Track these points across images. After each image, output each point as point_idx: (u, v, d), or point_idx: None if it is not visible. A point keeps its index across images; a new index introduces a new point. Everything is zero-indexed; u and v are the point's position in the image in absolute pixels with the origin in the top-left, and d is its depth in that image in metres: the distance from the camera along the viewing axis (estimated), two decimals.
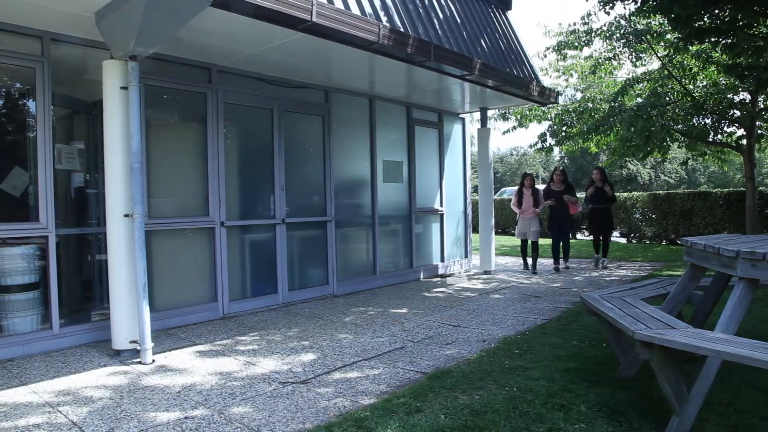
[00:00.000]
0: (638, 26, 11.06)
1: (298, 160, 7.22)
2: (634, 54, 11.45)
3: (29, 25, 4.79)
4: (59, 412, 3.44)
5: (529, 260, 9.91)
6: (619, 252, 12.59)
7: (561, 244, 9.95)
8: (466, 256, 10.15)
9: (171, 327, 5.67)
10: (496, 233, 9.76)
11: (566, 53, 12.74)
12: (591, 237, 11.01)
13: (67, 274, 5.41)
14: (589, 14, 11.44)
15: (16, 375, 4.18)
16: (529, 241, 9.79)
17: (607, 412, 3.24)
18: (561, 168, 10.19)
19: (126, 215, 4.54)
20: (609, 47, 12.04)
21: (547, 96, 8.90)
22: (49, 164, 4.93)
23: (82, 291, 5.92)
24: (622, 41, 11.29)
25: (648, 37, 10.79)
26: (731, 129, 12.05)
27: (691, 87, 11.26)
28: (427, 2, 6.93)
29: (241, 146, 6.75)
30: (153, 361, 4.51)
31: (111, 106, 4.55)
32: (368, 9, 5.75)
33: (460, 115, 10.13)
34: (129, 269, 4.55)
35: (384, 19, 5.91)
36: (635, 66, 12.40)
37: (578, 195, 10.76)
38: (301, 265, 7.27)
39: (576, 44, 12.01)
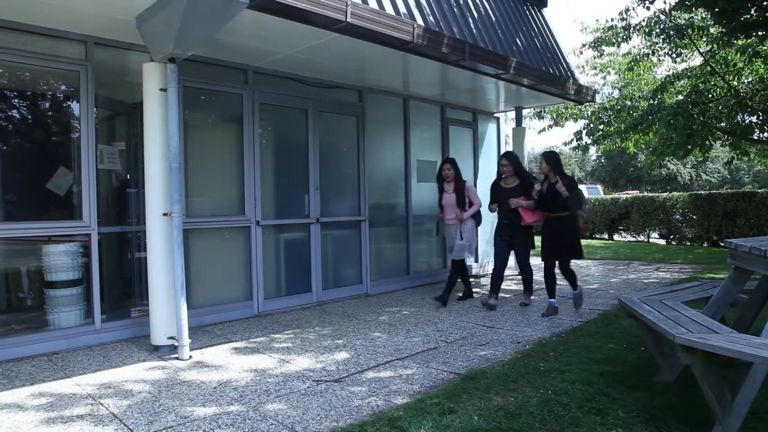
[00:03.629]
0: (679, 21, 10.76)
1: (332, 160, 7.26)
2: (674, 50, 11.15)
3: (74, 30, 4.95)
4: (101, 404, 3.54)
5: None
6: (658, 254, 12.29)
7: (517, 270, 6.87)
8: None
9: (207, 324, 5.78)
10: None
11: (603, 50, 12.49)
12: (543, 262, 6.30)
13: (109, 271, 5.56)
14: (627, 9, 11.18)
15: (60, 368, 4.33)
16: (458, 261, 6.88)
17: (645, 417, 3.16)
18: (510, 154, 6.79)
19: (165, 214, 4.64)
20: (648, 43, 11.76)
21: (584, 94, 8.74)
22: (92, 164, 5.08)
23: (123, 287, 6.09)
24: (662, 37, 10.99)
25: (689, 32, 10.49)
26: None
27: (735, 83, 10.90)
28: (461, 1, 6.88)
29: (276, 146, 6.83)
30: (190, 357, 4.60)
31: (151, 107, 4.67)
32: (402, 9, 5.74)
33: (495, 114, 10.03)
34: (167, 267, 4.66)
35: (418, 18, 5.90)
36: (675, 62, 12.07)
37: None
38: (335, 264, 7.31)
39: (613, 41, 11.76)
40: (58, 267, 5.16)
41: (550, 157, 6.14)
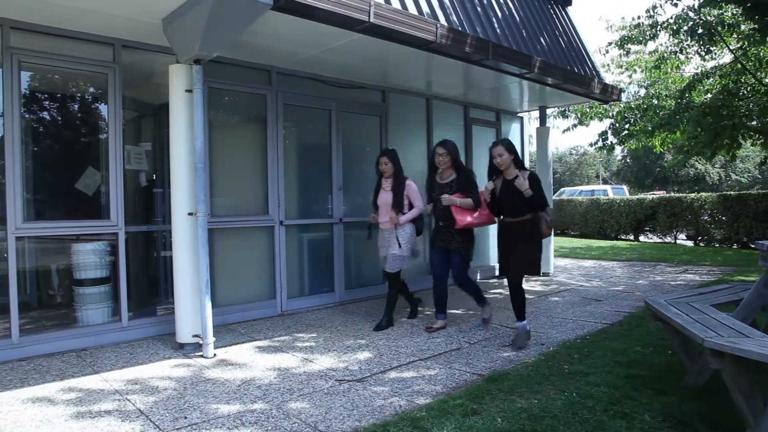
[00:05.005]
0: (708, 18, 10.53)
1: (355, 160, 7.28)
2: (703, 47, 10.91)
3: (102, 33, 5.04)
4: (128, 400, 3.60)
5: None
6: (685, 255, 12.06)
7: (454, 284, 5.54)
8: None
9: (231, 322, 5.84)
10: (555, 234, 9.27)
11: (629, 48, 12.29)
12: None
13: (135, 269, 5.66)
14: (654, 7, 10.98)
15: (89, 364, 4.41)
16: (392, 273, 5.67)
17: (672, 422, 3.10)
18: (447, 142, 5.51)
19: (190, 214, 4.70)
20: (676, 41, 11.53)
21: (609, 94, 8.62)
22: (119, 165, 5.17)
23: (149, 286, 6.19)
24: (690, 34, 10.77)
25: (719, 29, 10.26)
26: None
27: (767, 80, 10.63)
28: (485, 1, 6.84)
29: (299, 146, 6.87)
30: (214, 355, 4.65)
31: (176, 108, 4.73)
32: (425, 9, 5.73)
33: (519, 114, 9.95)
34: (192, 266, 4.72)
35: (441, 18, 5.88)
36: (704, 60, 11.82)
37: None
38: (358, 264, 7.32)
39: (640, 39, 11.56)
40: (86, 265, 5.27)
41: (512, 146, 4.94)
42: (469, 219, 5.21)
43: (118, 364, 4.43)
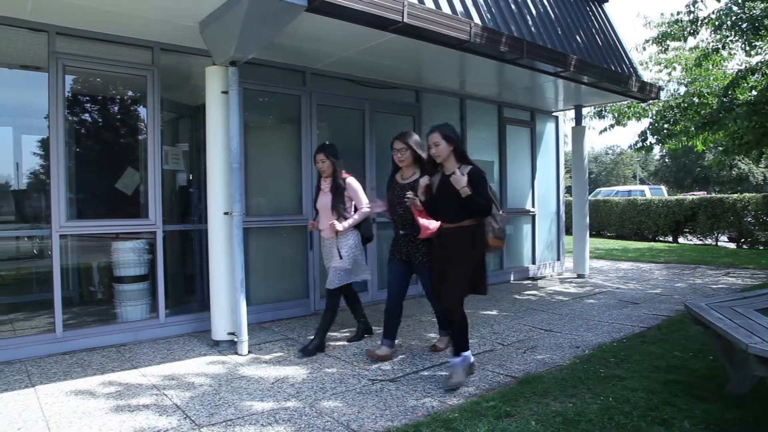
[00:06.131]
0: (754, 11, 10.16)
1: (388, 160, 7.25)
2: (747, 43, 10.53)
3: (141, 37, 5.16)
4: (165, 395, 3.68)
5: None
6: (727, 258, 11.69)
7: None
8: (558, 259, 9.81)
9: (265, 321, 5.91)
10: (591, 236, 9.04)
11: (668, 45, 11.96)
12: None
13: (172, 267, 5.78)
14: (695, 2, 10.66)
15: (128, 359, 4.53)
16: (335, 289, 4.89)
17: (714, 430, 3.00)
18: (406, 135, 4.57)
19: (225, 213, 4.78)
20: (718, 37, 11.16)
21: (648, 92, 8.42)
22: (157, 165, 5.28)
23: (185, 284, 6.31)
24: (734, 30, 10.41)
25: (765, 22, 9.89)
26: None
27: None
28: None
29: None
30: (249, 352, 4.71)
31: (213, 109, 4.81)
32: (459, 8, 5.70)
33: (554, 113, 9.80)
34: (228, 264, 4.79)
35: (475, 17, 5.84)
36: (749, 56, 11.40)
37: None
38: None
39: (680, 35, 11.24)
40: (125, 263, 5.41)
41: (451, 135, 3.96)
42: (434, 227, 3.98)
43: (156, 359, 4.54)
